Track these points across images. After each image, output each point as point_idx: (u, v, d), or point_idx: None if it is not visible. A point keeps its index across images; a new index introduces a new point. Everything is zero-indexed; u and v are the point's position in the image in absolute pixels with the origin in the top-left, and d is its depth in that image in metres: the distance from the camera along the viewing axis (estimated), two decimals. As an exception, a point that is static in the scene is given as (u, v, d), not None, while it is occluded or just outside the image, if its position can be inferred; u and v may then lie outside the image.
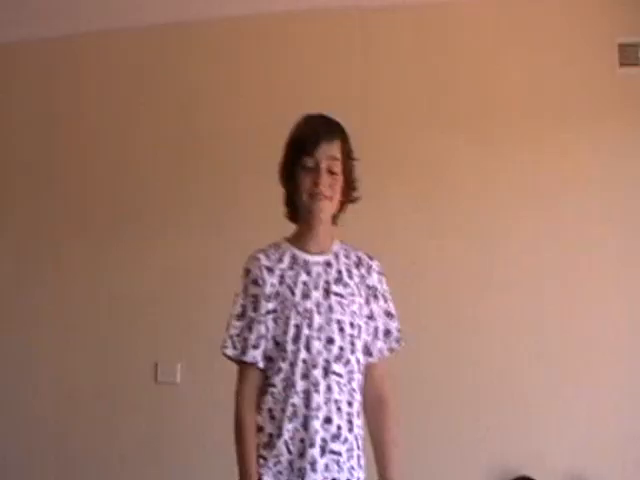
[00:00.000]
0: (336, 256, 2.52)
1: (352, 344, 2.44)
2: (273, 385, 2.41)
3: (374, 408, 2.52)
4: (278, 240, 2.54)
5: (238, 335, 2.44)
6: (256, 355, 2.41)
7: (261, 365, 2.42)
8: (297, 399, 2.37)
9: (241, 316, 2.45)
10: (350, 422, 2.42)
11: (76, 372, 4.05)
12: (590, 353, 3.66)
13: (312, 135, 2.45)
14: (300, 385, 2.37)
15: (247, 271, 2.48)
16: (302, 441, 2.36)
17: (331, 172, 2.45)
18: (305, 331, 2.39)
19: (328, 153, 2.44)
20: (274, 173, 2.51)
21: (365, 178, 2.54)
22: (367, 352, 2.52)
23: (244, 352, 2.42)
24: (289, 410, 2.38)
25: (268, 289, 2.43)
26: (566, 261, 3.71)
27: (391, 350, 2.56)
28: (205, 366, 3.91)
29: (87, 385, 4.04)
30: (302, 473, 2.36)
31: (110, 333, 4.04)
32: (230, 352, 2.44)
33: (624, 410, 3.63)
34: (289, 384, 2.39)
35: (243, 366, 2.45)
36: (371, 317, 2.53)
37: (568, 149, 3.75)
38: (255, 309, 2.43)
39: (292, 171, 2.47)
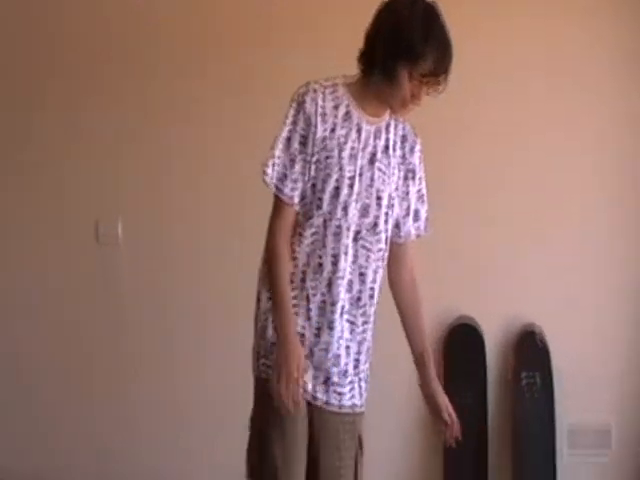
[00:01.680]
0: (387, 126, 2.40)
1: (386, 216, 2.40)
2: (301, 234, 2.34)
3: (409, 287, 2.51)
4: (336, 79, 2.36)
5: (279, 164, 2.32)
6: (294, 194, 2.33)
7: (297, 205, 2.33)
8: (324, 259, 2.34)
9: (287, 145, 2.32)
10: (372, 290, 2.41)
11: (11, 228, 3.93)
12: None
13: (442, 57, 2.24)
14: (330, 245, 2.34)
15: (301, 103, 2.32)
16: (323, 300, 2.34)
17: None
18: (344, 193, 2.32)
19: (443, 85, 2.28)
20: None
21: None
22: (396, 230, 2.46)
23: (283, 183, 2.33)
24: (315, 265, 2.34)
25: (319, 134, 2.31)
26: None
27: (418, 235, 2.50)
28: (147, 224, 3.82)
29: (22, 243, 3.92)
30: (319, 330, 2.35)
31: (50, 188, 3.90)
32: (269, 176, 2.32)
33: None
34: (319, 240, 2.34)
35: (279, 202, 2.34)
36: (405, 196, 2.45)
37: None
38: (302, 145, 2.32)
39: (394, 64, 2.24)
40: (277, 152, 2.33)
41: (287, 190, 2.33)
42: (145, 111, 3.78)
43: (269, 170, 2.33)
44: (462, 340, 3.66)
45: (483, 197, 3.69)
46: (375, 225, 2.38)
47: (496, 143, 3.69)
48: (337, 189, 2.32)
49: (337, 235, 2.34)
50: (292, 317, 2.33)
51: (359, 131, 2.35)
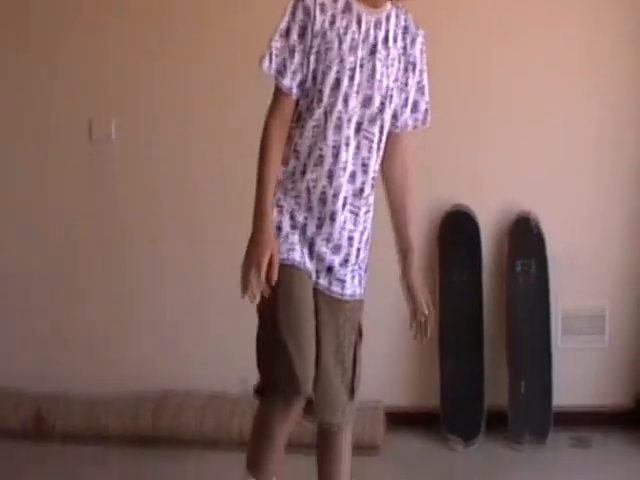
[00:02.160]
0: (387, 17, 2.38)
1: (386, 106, 2.39)
2: (303, 126, 2.34)
3: (399, 178, 2.52)
4: None
5: (278, 55, 2.31)
6: (293, 85, 2.33)
7: (295, 96, 2.33)
8: (326, 150, 2.34)
9: (285, 36, 2.31)
10: (374, 179, 2.43)
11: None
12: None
13: None
14: (331, 137, 2.35)
15: None
16: (324, 191, 2.36)
17: None
18: (345, 85, 2.32)
19: None
20: None
21: None
22: (394, 121, 2.45)
23: (281, 74, 2.33)
24: (315, 157, 2.34)
25: (318, 26, 2.29)
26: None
27: (415, 125, 2.50)
28: (141, 122, 3.79)
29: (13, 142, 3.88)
30: (321, 221, 2.36)
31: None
32: (266, 67, 2.31)
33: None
34: (320, 132, 2.34)
35: (277, 92, 2.34)
36: (404, 87, 2.44)
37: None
38: (301, 36, 2.31)
39: None
40: (276, 43, 2.32)
41: (286, 81, 2.33)
42: (140, 11, 3.74)
43: (266, 61, 2.32)
44: (457, 225, 3.68)
45: (479, 82, 3.67)
46: (374, 117, 2.38)
47: (491, 25, 3.66)
48: (338, 80, 2.32)
49: (338, 127, 2.34)
50: (270, 207, 2.33)
51: (359, 22, 2.34)
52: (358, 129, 2.37)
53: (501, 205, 3.72)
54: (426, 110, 2.52)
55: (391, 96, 2.41)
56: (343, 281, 2.43)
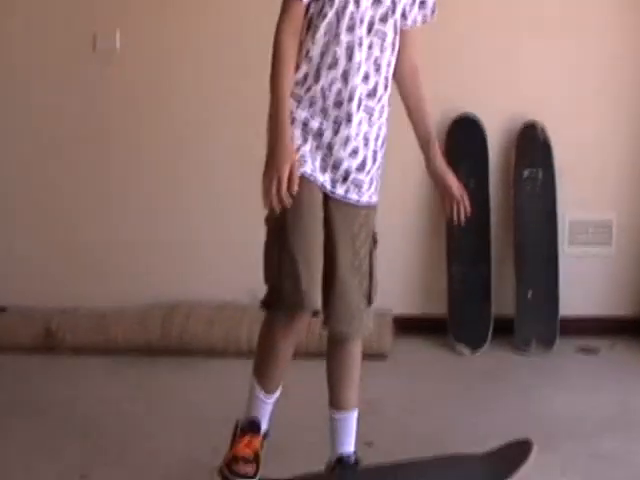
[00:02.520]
0: None
1: (397, 5, 2.35)
2: (315, 31, 2.31)
3: (409, 75, 2.48)
4: None
5: None
6: None
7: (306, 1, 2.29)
8: (340, 51, 2.31)
9: None
10: (386, 80, 2.39)
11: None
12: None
13: None
14: (345, 39, 2.30)
15: None
16: (339, 93, 2.32)
17: None
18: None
19: None
20: None
21: None
22: (403, 18, 2.41)
23: None
24: (329, 59, 2.31)
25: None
26: None
27: (424, 21, 2.46)
28: (144, 33, 3.77)
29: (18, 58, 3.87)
30: (337, 124, 2.35)
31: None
32: None
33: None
34: (333, 34, 2.31)
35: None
36: None
37: None
38: None
39: None
40: None
41: None
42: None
43: None
44: (464, 134, 3.67)
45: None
46: (387, 15, 2.35)
47: None
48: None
49: (351, 28, 2.31)
50: (287, 118, 2.30)
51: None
52: (370, 29, 2.34)
53: (508, 114, 3.71)
54: (434, 3, 2.50)
55: None
56: (360, 187, 2.41)
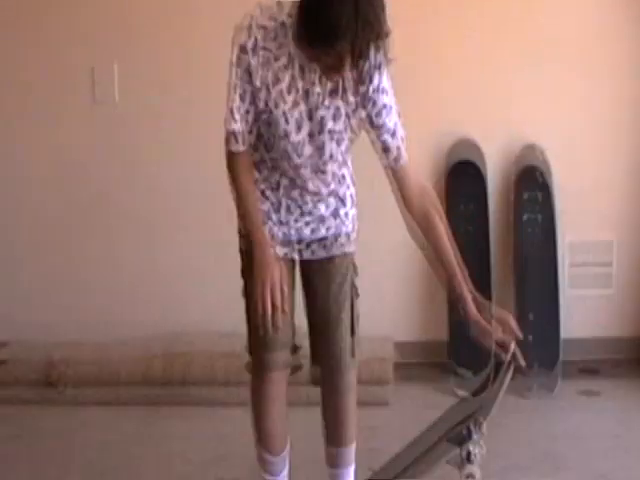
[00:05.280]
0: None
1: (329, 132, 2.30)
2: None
3: (419, 215, 2.33)
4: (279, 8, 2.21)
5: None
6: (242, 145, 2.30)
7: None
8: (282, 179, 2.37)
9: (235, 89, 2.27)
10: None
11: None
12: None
13: None
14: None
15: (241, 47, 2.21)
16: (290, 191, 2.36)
17: None
18: (293, 138, 2.28)
19: None
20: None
21: None
22: (386, 153, 2.33)
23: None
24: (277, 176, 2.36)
25: (258, 83, 2.24)
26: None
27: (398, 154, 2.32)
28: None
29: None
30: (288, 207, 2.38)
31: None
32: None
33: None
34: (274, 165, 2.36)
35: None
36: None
37: None
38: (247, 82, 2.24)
39: None
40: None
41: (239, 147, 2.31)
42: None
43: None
44: (464, 157, 3.69)
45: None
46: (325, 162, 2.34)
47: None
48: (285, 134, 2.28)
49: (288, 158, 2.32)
50: (263, 233, 2.32)
51: (303, 78, 2.25)
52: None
53: (506, 138, 3.73)
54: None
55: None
56: (325, 246, 2.43)
